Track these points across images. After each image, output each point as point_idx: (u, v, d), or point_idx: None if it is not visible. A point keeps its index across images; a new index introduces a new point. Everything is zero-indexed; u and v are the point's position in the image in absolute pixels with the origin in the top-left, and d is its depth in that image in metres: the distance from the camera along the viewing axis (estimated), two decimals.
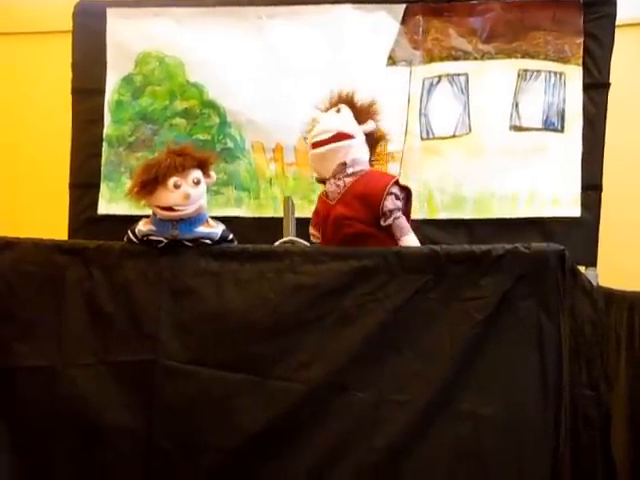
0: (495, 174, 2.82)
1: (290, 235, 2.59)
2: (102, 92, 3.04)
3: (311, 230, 2.34)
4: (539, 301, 2.02)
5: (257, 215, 2.96)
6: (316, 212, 2.32)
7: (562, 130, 2.83)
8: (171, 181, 2.13)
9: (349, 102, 2.25)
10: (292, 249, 2.20)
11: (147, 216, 2.30)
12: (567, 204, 2.77)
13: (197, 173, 2.18)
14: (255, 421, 2.07)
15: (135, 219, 2.82)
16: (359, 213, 2.15)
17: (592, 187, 2.78)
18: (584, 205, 2.77)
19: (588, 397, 2.03)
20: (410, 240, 2.17)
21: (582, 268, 2.32)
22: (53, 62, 3.26)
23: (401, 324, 2.05)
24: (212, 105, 3.00)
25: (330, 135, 2.19)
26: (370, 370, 2.05)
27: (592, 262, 2.72)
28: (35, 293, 2.17)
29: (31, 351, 2.15)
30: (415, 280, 2.06)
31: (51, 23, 3.29)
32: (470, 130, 2.87)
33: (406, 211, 2.21)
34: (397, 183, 2.17)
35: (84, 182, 3.02)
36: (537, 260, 2.03)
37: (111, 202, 3.00)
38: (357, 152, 2.21)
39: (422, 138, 2.91)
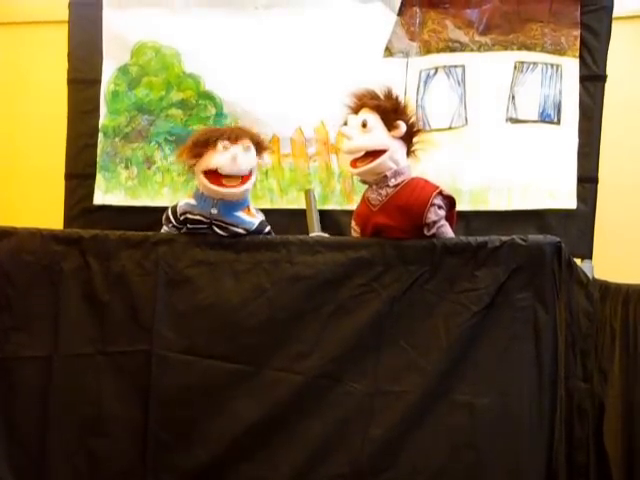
0: (491, 166, 2.81)
1: (315, 229, 2.58)
2: (98, 82, 3.02)
3: (353, 224, 2.32)
4: (535, 293, 2.03)
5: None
6: (358, 212, 2.29)
7: (558, 122, 2.82)
8: (221, 144, 2.15)
9: (373, 107, 2.19)
10: (288, 239, 2.20)
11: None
12: (563, 196, 2.76)
13: (249, 143, 2.19)
14: (251, 411, 2.08)
15: (131, 210, 2.83)
16: (400, 223, 2.14)
17: (588, 179, 2.77)
18: (580, 197, 2.76)
19: (582, 389, 2.04)
20: None
21: (578, 260, 2.32)
22: (49, 52, 3.25)
23: (397, 315, 2.06)
24: (208, 96, 2.98)
25: (360, 155, 2.18)
26: (366, 361, 2.07)
27: (588, 254, 2.71)
28: (32, 282, 2.18)
29: (28, 341, 2.16)
30: (411, 271, 2.07)
31: (47, 13, 3.28)
32: (466, 122, 2.86)
33: (450, 217, 2.20)
34: (440, 193, 2.14)
35: (80, 172, 3.01)
36: (533, 252, 2.04)
37: (107, 192, 2.98)
38: (396, 162, 2.17)
39: None
